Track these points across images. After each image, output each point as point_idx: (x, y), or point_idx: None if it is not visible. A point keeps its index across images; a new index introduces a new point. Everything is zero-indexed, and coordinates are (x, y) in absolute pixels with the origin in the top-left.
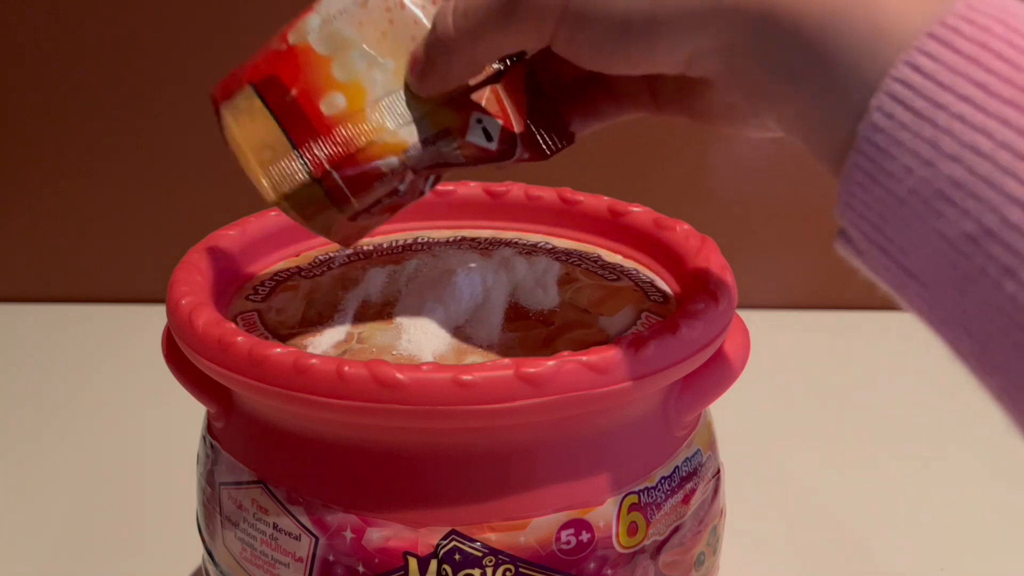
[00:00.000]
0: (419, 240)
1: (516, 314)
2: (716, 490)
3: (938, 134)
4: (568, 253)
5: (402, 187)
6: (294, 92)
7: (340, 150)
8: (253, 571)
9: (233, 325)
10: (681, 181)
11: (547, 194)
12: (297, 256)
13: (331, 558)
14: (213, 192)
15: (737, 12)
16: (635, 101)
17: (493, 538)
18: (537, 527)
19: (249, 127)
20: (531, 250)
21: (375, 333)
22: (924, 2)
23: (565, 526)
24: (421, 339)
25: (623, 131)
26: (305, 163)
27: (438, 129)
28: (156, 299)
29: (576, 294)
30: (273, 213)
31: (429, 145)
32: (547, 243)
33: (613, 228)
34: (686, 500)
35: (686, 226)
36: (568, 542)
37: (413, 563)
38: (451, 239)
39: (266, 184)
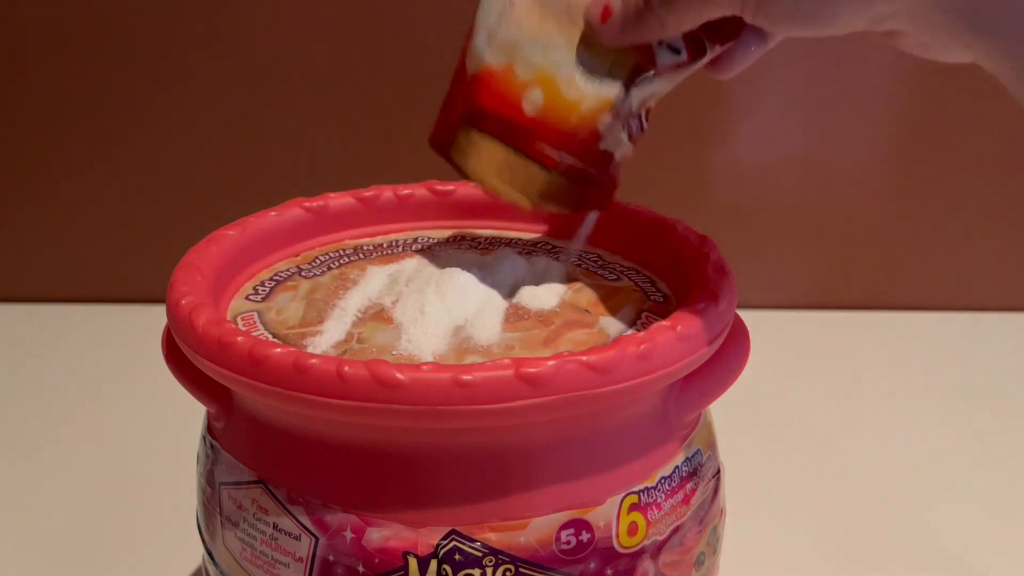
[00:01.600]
0: (419, 240)
1: (516, 314)
2: (716, 490)
3: None
4: (568, 253)
5: (625, 134)
6: (497, 111)
7: (557, 137)
8: (253, 571)
9: (233, 325)
10: (681, 181)
11: None
12: (297, 256)
13: (331, 558)
14: (213, 192)
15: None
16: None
17: (493, 538)
18: (537, 527)
19: (482, 160)
20: (531, 250)
21: (375, 333)
22: None
23: (565, 526)
24: (421, 339)
25: None
26: (537, 163)
27: (629, 69)
28: (156, 299)
29: (576, 294)
30: (273, 213)
31: (629, 87)
32: (547, 243)
33: (613, 228)
34: (686, 500)
35: (686, 226)
36: (568, 542)
37: (413, 563)
38: (451, 239)
39: (520, 197)
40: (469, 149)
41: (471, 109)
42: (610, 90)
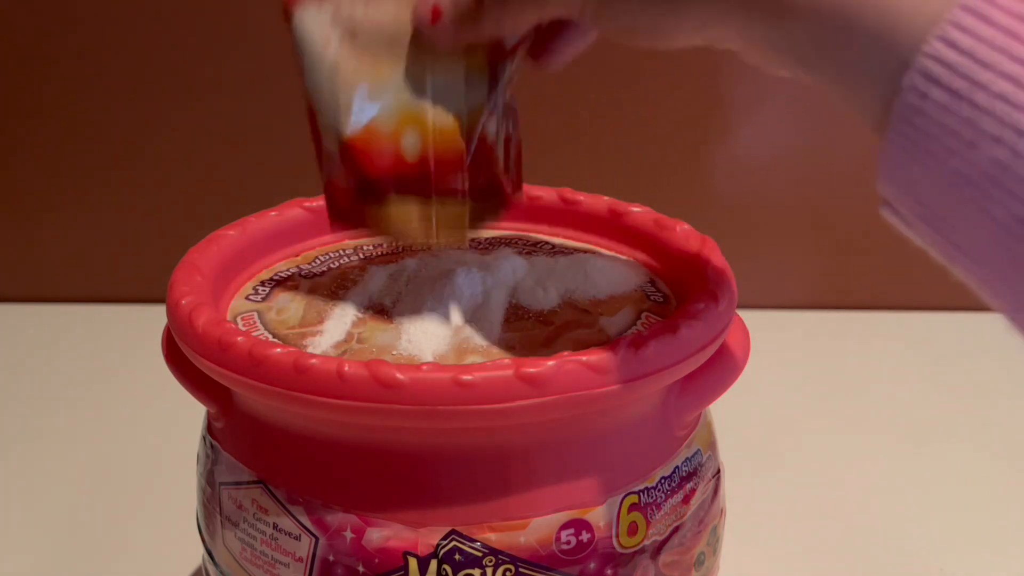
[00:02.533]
0: None
1: (516, 314)
2: (716, 490)
3: (978, 114)
4: (568, 253)
5: (501, 121)
6: (382, 173)
7: (452, 165)
8: (253, 571)
9: (233, 325)
10: (681, 181)
11: (547, 194)
12: (297, 256)
13: (331, 558)
14: (213, 192)
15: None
16: None
17: (493, 538)
18: (537, 527)
19: (401, 223)
20: (531, 250)
21: (375, 333)
22: None
23: (565, 526)
24: (421, 339)
25: (623, 131)
26: (451, 198)
27: (486, 67)
28: (156, 299)
29: (576, 294)
30: (273, 213)
31: (493, 84)
32: (547, 243)
33: (613, 228)
34: (686, 500)
35: (686, 226)
36: (568, 542)
37: (413, 563)
38: None
39: (456, 236)
40: (380, 220)
41: (356, 184)
42: (478, 95)
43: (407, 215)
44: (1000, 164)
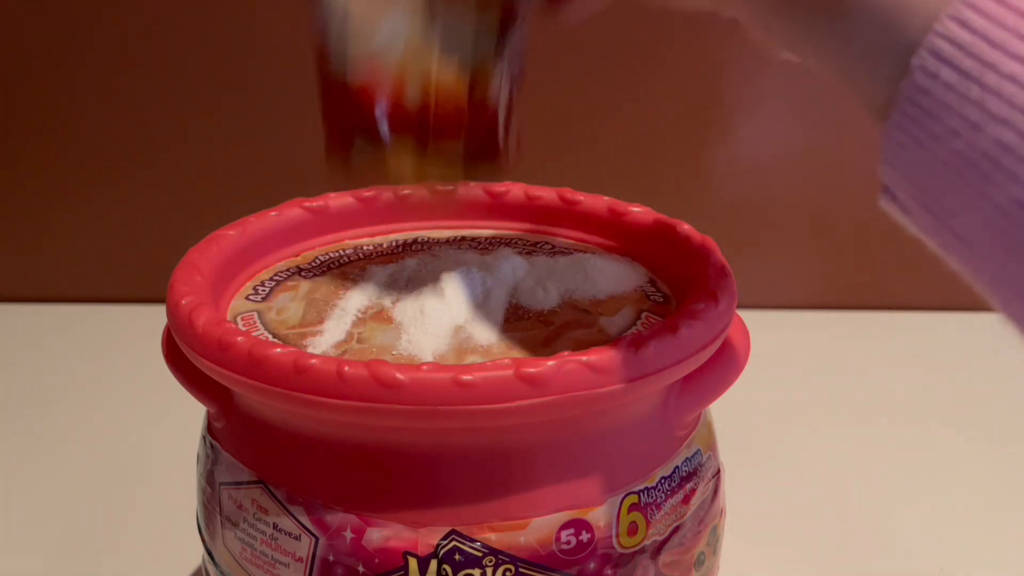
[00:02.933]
0: (419, 240)
1: (516, 314)
2: (716, 490)
3: (986, 95)
4: (568, 253)
5: (507, 83)
6: (385, 115)
7: (455, 120)
8: (253, 571)
9: (233, 325)
10: (681, 181)
11: (547, 194)
12: (297, 256)
13: (331, 558)
14: (213, 192)
15: None
16: None
17: (493, 538)
18: (537, 527)
19: (398, 165)
20: (531, 250)
21: (375, 333)
22: None
23: (565, 526)
24: (421, 339)
25: (623, 131)
26: (451, 152)
27: (496, 26)
28: (156, 299)
29: (576, 294)
30: (273, 213)
31: (502, 43)
32: (547, 243)
33: (613, 228)
34: (686, 500)
35: (686, 226)
36: (568, 542)
37: (413, 563)
38: (451, 239)
39: (441, 183)
40: (375, 163)
41: (357, 125)
42: (486, 51)
43: (402, 160)
44: (1004, 146)
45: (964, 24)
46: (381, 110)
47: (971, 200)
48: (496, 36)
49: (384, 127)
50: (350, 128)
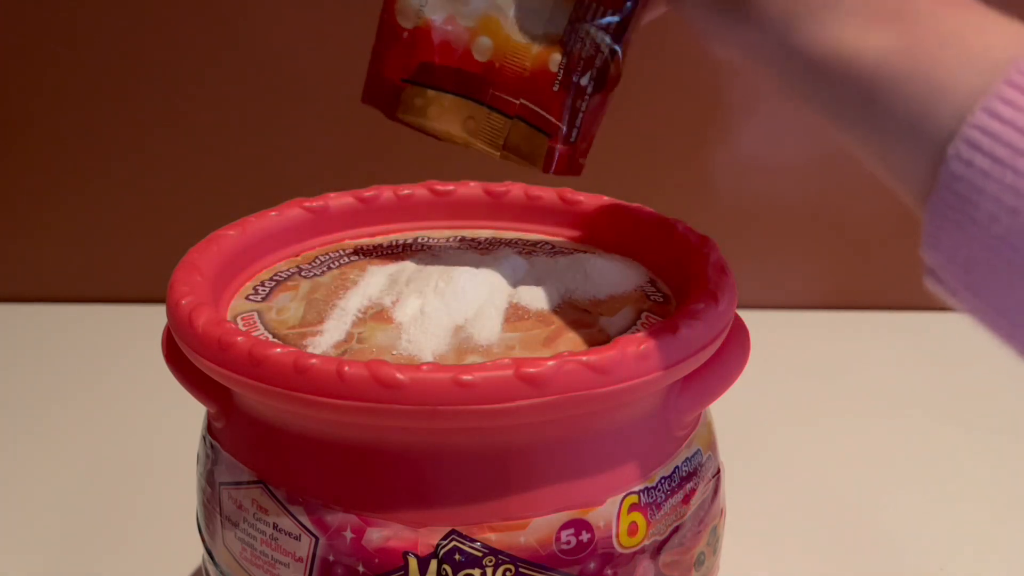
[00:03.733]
0: (419, 240)
1: (516, 314)
2: (716, 490)
3: (1019, 180)
4: (568, 253)
5: (587, 77)
6: (445, 63)
7: (512, 81)
8: (253, 571)
9: (233, 325)
10: (681, 181)
11: (547, 194)
12: (297, 256)
13: (331, 558)
14: (213, 192)
15: (786, 48)
16: None
17: (493, 538)
18: (537, 527)
19: (443, 115)
20: (531, 250)
21: (375, 333)
22: (973, 59)
23: (565, 526)
24: (421, 339)
25: (623, 131)
26: (497, 111)
27: (572, 5)
28: (156, 299)
29: (576, 294)
30: (273, 213)
31: (576, 24)
32: (547, 243)
33: (613, 228)
34: (686, 500)
35: (686, 226)
36: (568, 542)
37: (413, 563)
38: (451, 239)
39: (488, 148)
40: (425, 106)
41: (418, 66)
42: (556, 28)
43: (451, 109)
44: None
45: (996, 115)
46: (449, 57)
47: (1015, 281)
48: (571, 12)
49: (446, 74)
50: (406, 73)
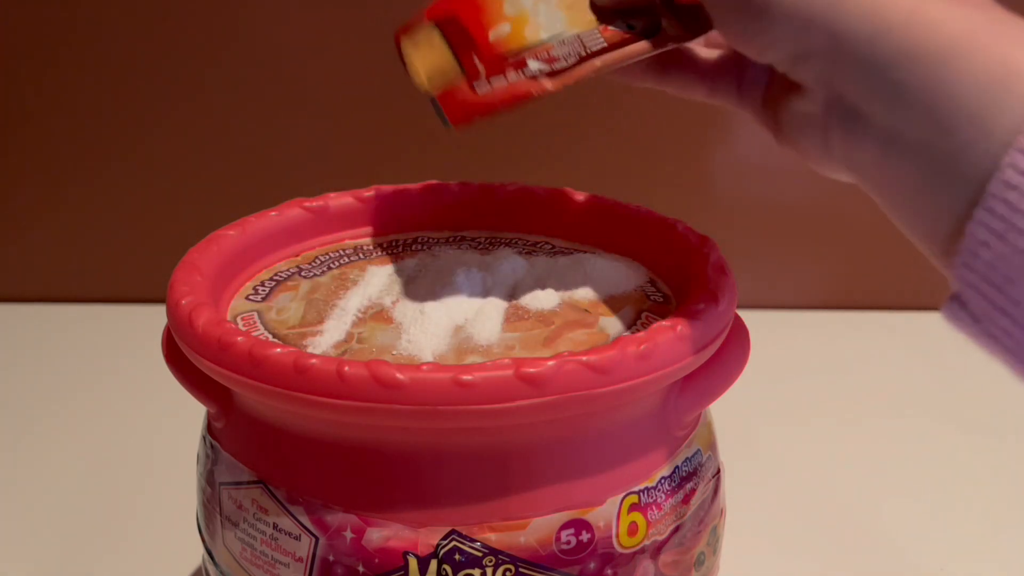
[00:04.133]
0: (419, 240)
1: (516, 314)
2: (716, 490)
3: None
4: (568, 253)
5: (539, 63)
6: (470, 27)
7: (494, 60)
8: (253, 571)
9: (233, 325)
10: (681, 181)
11: (547, 194)
12: (297, 256)
13: (331, 558)
14: (213, 192)
15: (841, 24)
16: (720, 90)
17: (493, 538)
18: (537, 527)
19: (428, 56)
20: (531, 250)
21: (375, 333)
22: None
23: (565, 526)
24: (421, 339)
25: (623, 131)
26: (462, 69)
27: (584, 27)
28: (156, 299)
29: (576, 294)
30: (273, 213)
31: (570, 40)
32: (547, 243)
33: (613, 228)
34: (686, 500)
35: (686, 226)
36: (568, 542)
37: (413, 563)
38: (451, 239)
39: (424, 81)
40: (422, 43)
41: (449, 15)
42: (559, 36)
43: (437, 55)
44: None
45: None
46: (472, 20)
47: None
48: (579, 31)
49: (454, 32)
50: (435, 17)
